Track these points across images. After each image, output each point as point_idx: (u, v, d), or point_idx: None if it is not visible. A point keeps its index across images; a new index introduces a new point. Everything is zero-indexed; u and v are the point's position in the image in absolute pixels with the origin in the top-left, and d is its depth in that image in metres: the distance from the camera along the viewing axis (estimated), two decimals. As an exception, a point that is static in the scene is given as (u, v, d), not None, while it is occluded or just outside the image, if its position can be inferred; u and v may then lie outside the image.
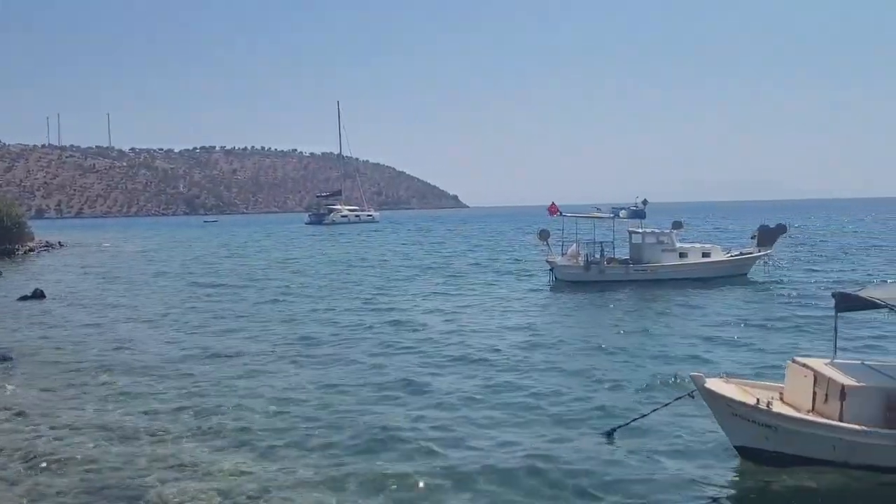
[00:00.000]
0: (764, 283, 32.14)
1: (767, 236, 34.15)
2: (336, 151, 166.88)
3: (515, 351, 18.45)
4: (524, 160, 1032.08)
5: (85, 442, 11.66)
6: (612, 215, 34.56)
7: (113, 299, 30.92)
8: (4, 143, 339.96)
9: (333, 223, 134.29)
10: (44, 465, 10.68)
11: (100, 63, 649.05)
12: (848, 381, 9.61)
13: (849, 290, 11.72)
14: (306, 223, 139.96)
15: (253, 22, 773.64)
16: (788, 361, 10.97)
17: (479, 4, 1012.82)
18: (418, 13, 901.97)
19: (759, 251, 33.84)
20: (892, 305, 9.50)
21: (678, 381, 14.07)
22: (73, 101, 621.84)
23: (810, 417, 9.72)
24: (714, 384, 10.46)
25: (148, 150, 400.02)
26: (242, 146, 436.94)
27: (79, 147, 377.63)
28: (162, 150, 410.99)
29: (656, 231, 33.75)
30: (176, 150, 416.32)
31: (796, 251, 47.30)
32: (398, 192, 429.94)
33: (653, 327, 21.73)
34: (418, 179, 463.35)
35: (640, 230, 33.49)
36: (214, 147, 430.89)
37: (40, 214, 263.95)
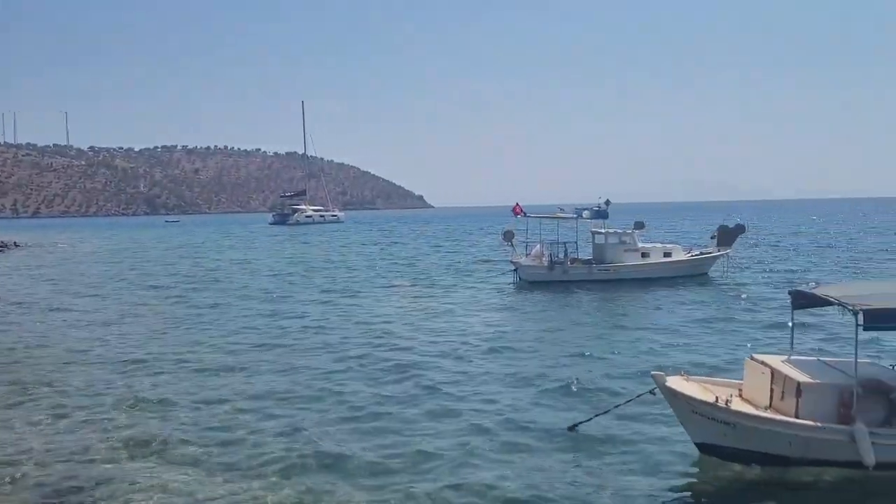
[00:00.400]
0: (723, 281, 32.70)
1: (727, 236, 34.80)
2: (300, 151, 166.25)
3: (477, 351, 18.41)
4: (490, 161, 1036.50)
5: (25, 460, 10.94)
6: (575, 216, 34.94)
7: (61, 303, 29.78)
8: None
9: (298, 223, 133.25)
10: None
11: (57, 61, 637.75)
12: (803, 378, 9.78)
13: (804, 288, 11.94)
14: (270, 223, 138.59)
15: (215, 19, 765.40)
16: (747, 358, 11.13)
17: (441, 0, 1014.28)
18: (383, 11, 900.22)
19: (719, 251, 34.46)
20: (845, 303, 9.69)
21: (640, 378, 14.18)
22: (29, 99, 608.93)
23: (767, 415, 9.87)
24: (674, 382, 10.55)
25: (107, 149, 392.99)
26: (205, 145, 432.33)
27: (35, 145, 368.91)
28: (122, 148, 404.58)
29: (619, 231, 34.15)
30: (136, 149, 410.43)
31: (756, 251, 48.13)
32: (363, 192, 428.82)
33: (615, 326, 21.94)
34: (383, 179, 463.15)
35: (602, 230, 33.87)
36: (176, 146, 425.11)
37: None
